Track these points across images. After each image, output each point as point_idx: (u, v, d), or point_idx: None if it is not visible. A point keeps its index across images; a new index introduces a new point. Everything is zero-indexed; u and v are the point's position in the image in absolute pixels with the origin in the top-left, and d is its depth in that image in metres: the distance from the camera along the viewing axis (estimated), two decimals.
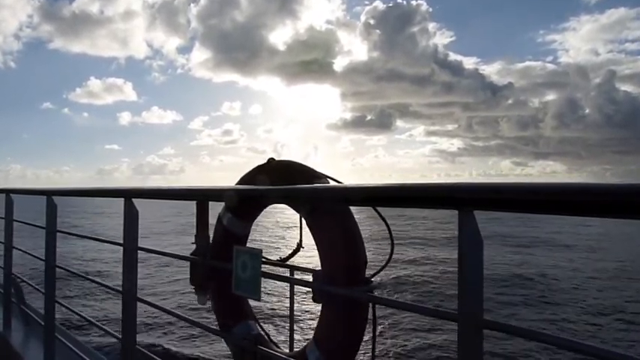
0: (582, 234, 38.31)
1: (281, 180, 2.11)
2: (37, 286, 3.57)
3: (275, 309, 13.02)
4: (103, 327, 2.80)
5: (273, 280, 1.76)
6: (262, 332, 2.46)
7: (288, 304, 2.63)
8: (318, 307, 1.97)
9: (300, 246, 2.44)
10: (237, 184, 2.32)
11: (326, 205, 1.98)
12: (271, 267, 2.40)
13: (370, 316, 1.93)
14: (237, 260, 1.66)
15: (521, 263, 23.55)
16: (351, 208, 2.01)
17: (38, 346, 3.46)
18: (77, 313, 3.38)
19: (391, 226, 2.07)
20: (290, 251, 2.47)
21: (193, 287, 2.32)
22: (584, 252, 28.79)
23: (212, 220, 2.33)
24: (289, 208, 2.19)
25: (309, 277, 1.93)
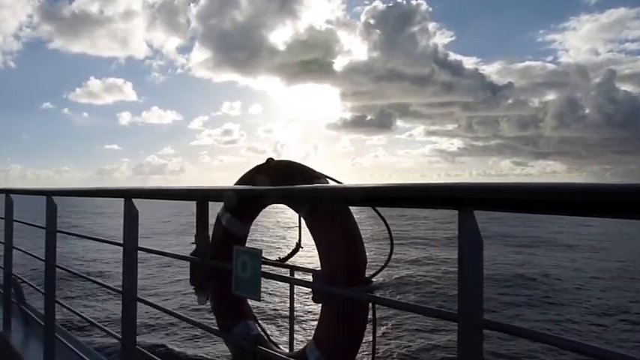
0: (583, 234, 38.30)
1: (280, 180, 2.11)
2: (37, 286, 3.57)
3: (275, 309, 13.01)
4: (103, 327, 2.80)
5: (273, 280, 1.76)
6: (262, 332, 2.46)
7: (288, 304, 2.62)
8: (318, 307, 1.97)
9: (299, 246, 2.44)
10: (236, 184, 2.32)
11: (325, 206, 1.97)
12: (271, 267, 2.40)
13: (370, 316, 1.93)
14: (237, 260, 1.66)
15: (523, 263, 23.51)
16: (351, 208, 2.01)
17: (38, 347, 3.46)
18: (77, 314, 3.38)
19: (392, 226, 2.07)
20: (289, 251, 2.47)
21: (193, 287, 2.32)
22: (586, 252, 28.77)
23: (212, 220, 2.34)
24: (289, 208, 2.19)
25: (309, 277, 1.93)
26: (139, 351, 2.22)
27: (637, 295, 16.99)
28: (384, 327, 11.72)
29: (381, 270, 1.96)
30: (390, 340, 11.19)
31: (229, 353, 2.37)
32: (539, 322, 13.34)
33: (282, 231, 38.36)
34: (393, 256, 2.00)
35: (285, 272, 2.27)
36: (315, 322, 2.07)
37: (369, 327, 1.94)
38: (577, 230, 40.41)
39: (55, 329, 3.16)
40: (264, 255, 1.73)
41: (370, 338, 1.98)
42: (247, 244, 2.34)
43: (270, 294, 13.90)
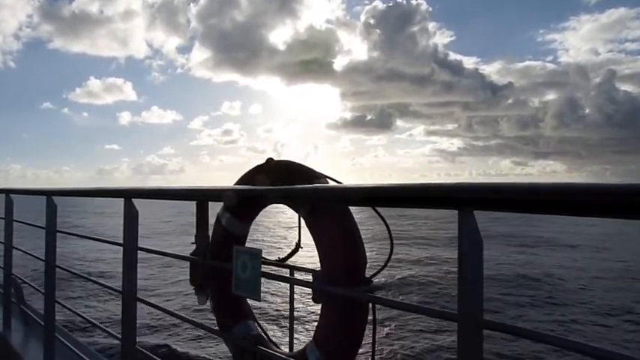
0: (584, 234, 38.28)
1: (280, 180, 2.11)
2: (37, 286, 3.57)
3: (275, 309, 13.01)
4: (103, 327, 2.80)
5: (273, 280, 1.76)
6: (262, 332, 2.46)
7: (288, 304, 2.62)
8: (318, 307, 1.97)
9: (298, 246, 2.44)
10: (236, 184, 2.32)
11: (325, 206, 1.97)
12: (271, 267, 2.39)
13: (370, 316, 1.93)
14: (237, 260, 1.66)
15: (525, 263, 23.48)
16: (351, 208, 2.00)
17: (38, 347, 3.46)
18: (77, 314, 3.38)
19: (393, 225, 2.07)
20: (289, 251, 2.47)
21: (193, 287, 2.32)
22: (587, 252, 28.75)
23: (212, 220, 2.33)
24: (289, 208, 2.19)
25: (309, 277, 1.93)
26: (139, 351, 2.22)
27: (638, 297, 16.94)
28: (384, 327, 11.72)
29: (381, 270, 1.96)
30: (390, 340, 11.19)
31: (229, 353, 2.37)
32: (541, 322, 13.30)
33: (283, 231, 38.35)
34: (394, 256, 2.00)
35: (285, 272, 2.27)
36: (315, 322, 2.07)
37: (369, 327, 1.94)
38: (577, 230, 40.39)
39: (55, 329, 3.16)
40: (264, 255, 1.73)
41: (370, 338, 1.98)
42: (247, 244, 2.33)
43: (271, 294, 13.90)
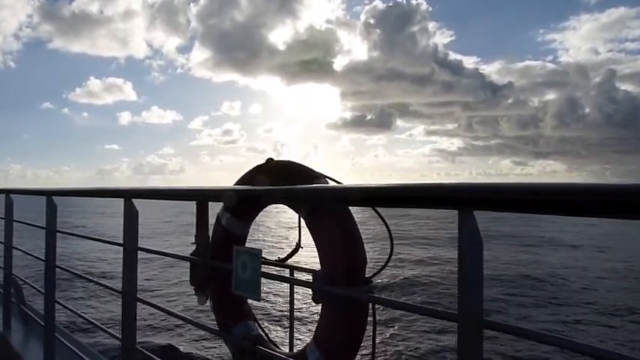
0: (584, 233, 38.26)
1: (280, 180, 2.11)
2: (37, 287, 3.57)
3: (275, 309, 13.01)
4: (103, 327, 2.80)
5: (273, 280, 1.76)
6: (262, 332, 2.46)
7: (288, 304, 2.62)
8: (318, 307, 1.97)
9: (298, 246, 2.44)
10: (236, 184, 2.32)
11: (325, 206, 1.97)
12: (271, 267, 2.39)
13: (370, 316, 1.93)
14: (237, 260, 1.66)
15: (526, 263, 23.47)
16: (352, 208, 2.00)
17: (38, 347, 3.46)
18: (77, 314, 3.38)
19: (394, 225, 2.07)
20: (290, 251, 2.47)
21: (193, 287, 2.32)
22: (589, 251, 28.72)
23: (212, 220, 2.33)
24: (289, 208, 2.19)
25: (309, 278, 1.93)
26: (139, 351, 2.22)
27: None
28: (385, 327, 11.72)
29: (381, 270, 1.96)
30: (390, 340, 11.19)
31: (229, 353, 2.37)
32: (542, 322, 13.28)
33: (283, 231, 38.35)
34: (394, 256, 2.01)
35: (285, 272, 2.27)
36: (315, 322, 2.07)
37: (369, 327, 1.94)
38: (577, 229, 40.38)
39: (55, 329, 3.16)
40: (264, 255, 1.73)
41: (370, 338, 1.98)
42: (247, 244, 2.33)
43: (271, 294, 13.90)
